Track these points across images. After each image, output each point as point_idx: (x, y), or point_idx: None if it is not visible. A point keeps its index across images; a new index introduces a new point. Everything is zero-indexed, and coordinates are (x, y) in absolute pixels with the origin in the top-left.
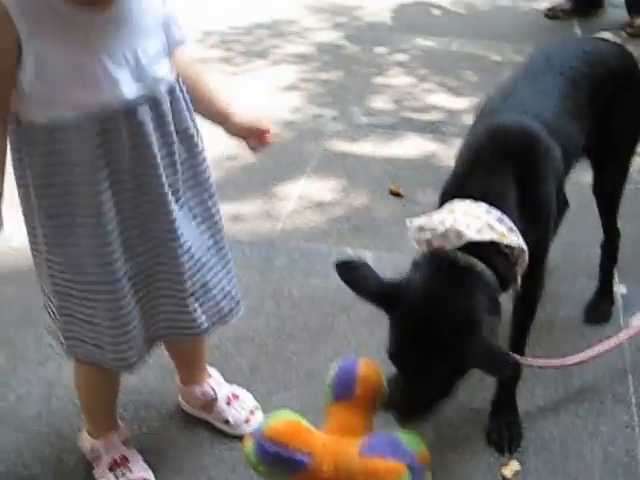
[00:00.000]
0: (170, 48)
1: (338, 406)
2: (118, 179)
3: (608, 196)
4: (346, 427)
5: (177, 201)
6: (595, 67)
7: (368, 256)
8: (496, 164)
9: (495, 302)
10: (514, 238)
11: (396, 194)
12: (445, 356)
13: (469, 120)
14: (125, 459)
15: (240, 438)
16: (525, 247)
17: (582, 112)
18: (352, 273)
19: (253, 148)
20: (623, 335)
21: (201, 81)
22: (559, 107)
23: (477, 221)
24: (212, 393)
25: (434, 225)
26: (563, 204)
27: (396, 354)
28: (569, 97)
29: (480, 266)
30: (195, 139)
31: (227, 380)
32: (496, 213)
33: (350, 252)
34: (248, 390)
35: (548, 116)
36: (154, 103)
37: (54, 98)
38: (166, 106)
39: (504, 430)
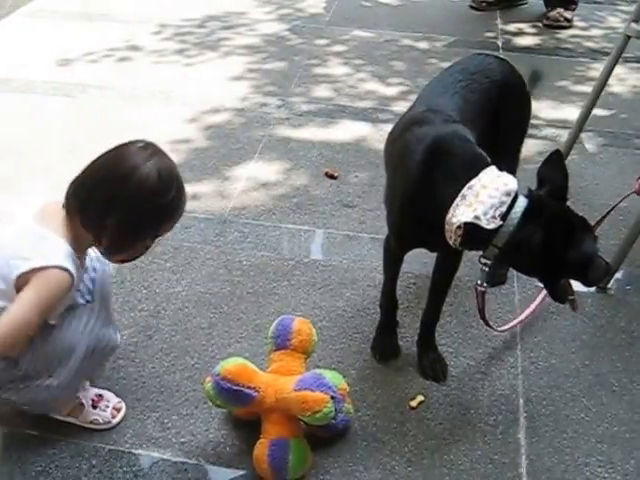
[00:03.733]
0: None
1: (278, 353)
2: None
3: None
4: (284, 369)
5: None
6: (481, 82)
7: (306, 231)
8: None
9: None
10: None
11: (331, 176)
12: None
13: (397, 107)
14: (100, 396)
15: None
16: None
17: (474, 120)
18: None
19: None
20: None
21: None
22: (461, 119)
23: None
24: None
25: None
26: None
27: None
28: (464, 111)
29: None
30: None
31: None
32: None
33: (291, 228)
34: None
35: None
36: None
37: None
38: None
39: (436, 366)
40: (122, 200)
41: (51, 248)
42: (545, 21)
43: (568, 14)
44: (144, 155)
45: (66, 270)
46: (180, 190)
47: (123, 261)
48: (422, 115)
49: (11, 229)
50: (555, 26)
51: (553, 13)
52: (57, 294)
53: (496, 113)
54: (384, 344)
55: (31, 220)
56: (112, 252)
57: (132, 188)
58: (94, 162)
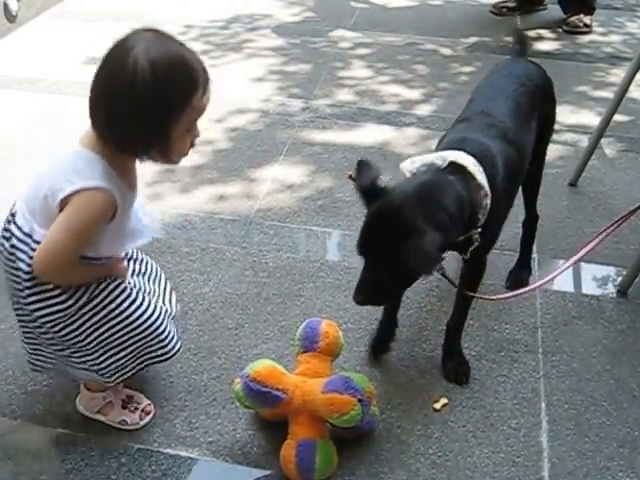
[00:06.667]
0: None
1: (305, 355)
2: None
3: (531, 184)
4: (311, 371)
5: None
6: (527, 86)
7: (331, 233)
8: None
9: (454, 223)
10: (483, 179)
11: (354, 179)
12: (388, 254)
13: (419, 111)
14: (131, 397)
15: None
16: (489, 192)
17: (528, 122)
18: (362, 170)
19: None
20: (537, 283)
21: None
22: (514, 123)
23: (457, 154)
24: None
25: (423, 157)
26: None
27: (357, 244)
28: (518, 115)
29: (455, 181)
30: None
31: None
32: (473, 159)
33: (316, 230)
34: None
35: (510, 131)
36: None
37: (110, 244)
38: None
39: (459, 369)
40: (118, 99)
41: (87, 169)
42: (565, 27)
43: (587, 20)
44: (133, 45)
45: (100, 189)
46: (187, 73)
47: (174, 160)
48: (470, 115)
49: (61, 151)
50: (574, 32)
51: (573, 19)
52: (92, 214)
53: (536, 115)
54: (376, 340)
55: (77, 142)
56: (153, 158)
57: (125, 86)
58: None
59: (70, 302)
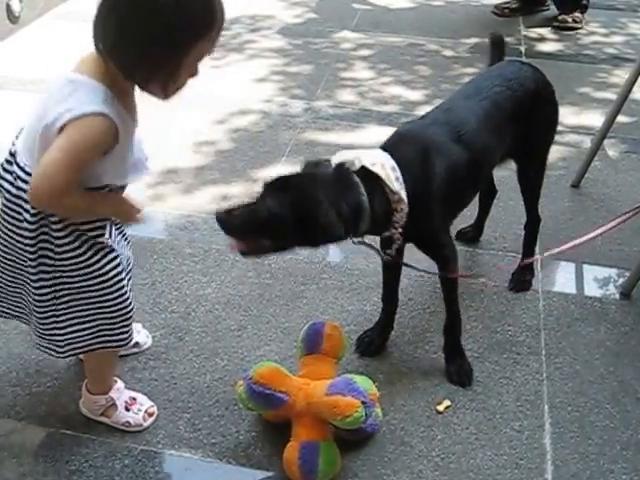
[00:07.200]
0: None
1: (309, 358)
2: None
3: (529, 188)
4: (315, 373)
5: None
6: (515, 90)
7: None
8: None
9: (341, 221)
10: (397, 185)
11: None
12: (288, 195)
13: (422, 112)
14: (134, 399)
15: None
16: (404, 198)
17: (501, 126)
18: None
19: None
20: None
21: None
22: (480, 124)
23: (374, 159)
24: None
25: (350, 153)
26: (491, 192)
27: (265, 182)
28: (491, 116)
29: (358, 184)
30: None
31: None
32: (392, 163)
33: None
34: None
35: (467, 131)
36: None
37: (113, 174)
38: None
39: (461, 371)
40: (134, 21)
41: (87, 95)
42: (555, 23)
43: (577, 14)
44: None
45: (101, 113)
46: (207, 7)
47: (169, 94)
48: (433, 111)
49: (52, 84)
50: (563, 27)
51: (562, 16)
52: (92, 138)
53: (527, 121)
54: (370, 339)
55: (70, 70)
56: (152, 88)
57: (144, 7)
58: None
59: (63, 255)
